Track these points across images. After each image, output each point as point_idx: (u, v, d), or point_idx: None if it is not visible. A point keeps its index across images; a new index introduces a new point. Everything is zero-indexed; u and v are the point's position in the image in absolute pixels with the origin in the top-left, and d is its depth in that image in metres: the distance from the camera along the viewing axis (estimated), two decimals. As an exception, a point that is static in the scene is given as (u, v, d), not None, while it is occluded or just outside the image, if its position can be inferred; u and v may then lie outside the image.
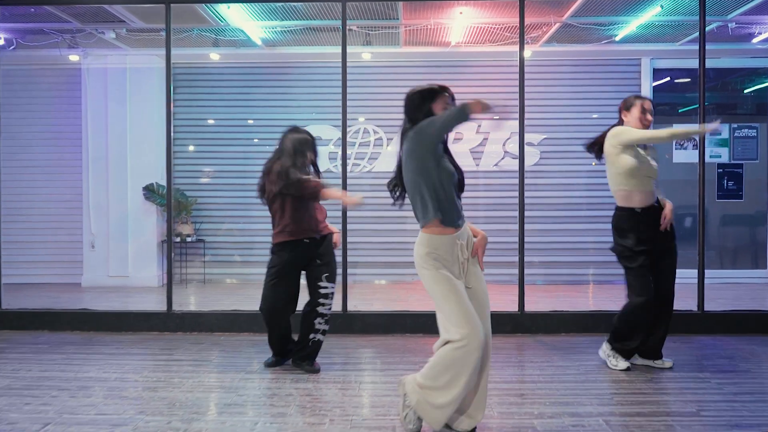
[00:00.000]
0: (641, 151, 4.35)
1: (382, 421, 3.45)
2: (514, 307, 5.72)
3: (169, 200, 6.00)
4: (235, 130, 8.43)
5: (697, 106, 7.75)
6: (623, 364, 4.41)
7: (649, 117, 4.36)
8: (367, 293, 7.47)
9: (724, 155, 8.40)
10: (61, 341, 5.37)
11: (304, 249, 4.36)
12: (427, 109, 3.13)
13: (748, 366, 4.52)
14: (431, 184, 3.04)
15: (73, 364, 4.65)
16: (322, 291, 4.39)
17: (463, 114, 2.92)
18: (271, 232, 4.46)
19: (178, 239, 8.18)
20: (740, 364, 4.59)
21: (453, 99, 3.23)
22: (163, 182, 8.25)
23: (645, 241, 4.30)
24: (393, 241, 8.15)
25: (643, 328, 4.39)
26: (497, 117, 8.17)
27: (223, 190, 8.41)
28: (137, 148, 8.22)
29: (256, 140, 8.45)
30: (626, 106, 4.44)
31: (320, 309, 4.38)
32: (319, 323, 4.38)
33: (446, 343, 3.03)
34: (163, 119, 8.27)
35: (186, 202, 8.27)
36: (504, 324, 5.62)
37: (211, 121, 8.51)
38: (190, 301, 7.22)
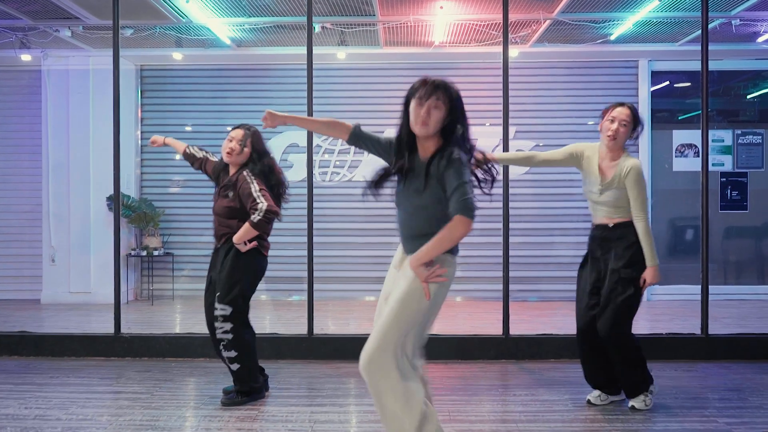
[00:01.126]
0: None
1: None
2: (498, 331, 5.16)
3: (117, 207, 5.42)
4: (206, 135, 7.88)
5: (699, 112, 7.24)
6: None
7: (616, 126, 3.74)
8: (342, 312, 6.93)
9: (727, 163, 7.89)
10: (-7, 369, 4.82)
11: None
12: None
13: (761, 401, 3.97)
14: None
15: (-7, 397, 4.10)
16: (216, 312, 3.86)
17: None
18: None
19: (144, 253, 7.65)
20: (750, 398, 4.04)
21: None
22: (129, 192, 7.77)
23: None
24: (375, 255, 7.60)
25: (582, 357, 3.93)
26: (487, 123, 7.68)
27: (193, 200, 7.87)
28: (101, 155, 7.62)
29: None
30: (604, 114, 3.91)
31: (217, 333, 3.86)
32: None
33: None
34: (130, 125, 7.86)
35: (153, 213, 7.73)
36: (487, 349, 5.08)
37: (188, 128, 8.00)
38: (152, 320, 6.68)
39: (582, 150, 3.94)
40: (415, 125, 2.62)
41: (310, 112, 5.27)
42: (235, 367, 3.86)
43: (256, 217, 3.75)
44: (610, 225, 3.75)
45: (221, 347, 3.84)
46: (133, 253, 7.78)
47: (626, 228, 3.71)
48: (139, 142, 8.06)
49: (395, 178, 2.76)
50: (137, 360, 5.09)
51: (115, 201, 5.35)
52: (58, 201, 7.73)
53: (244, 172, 3.91)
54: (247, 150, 3.96)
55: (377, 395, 2.56)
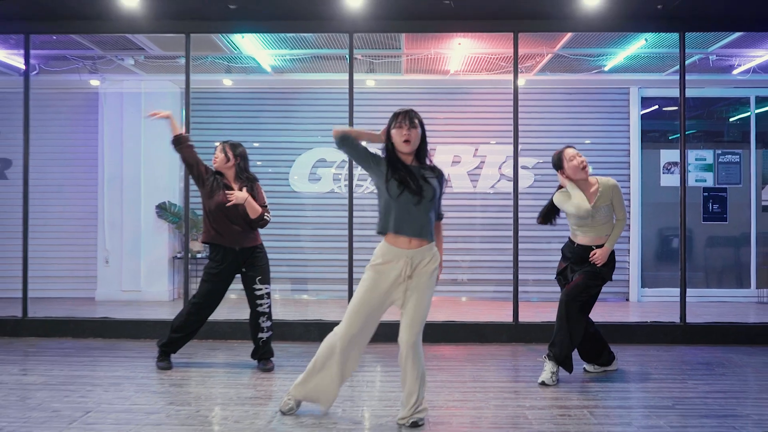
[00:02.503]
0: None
1: (388, 410, 3.83)
2: (509, 319, 6.11)
3: (187, 219, 6.37)
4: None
5: (689, 132, 8.26)
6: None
7: (577, 161, 4.62)
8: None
9: (709, 180, 8.84)
10: (85, 347, 5.73)
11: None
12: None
13: (723, 370, 4.92)
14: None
15: (100, 365, 5.02)
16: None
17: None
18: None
19: (189, 255, 8.55)
20: (716, 368, 4.98)
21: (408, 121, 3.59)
22: (175, 201, 8.71)
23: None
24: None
25: None
26: (494, 142, 8.65)
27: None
28: (151, 169, 8.63)
29: (259, 163, 8.81)
30: (557, 166, 4.76)
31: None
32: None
33: None
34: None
35: (197, 220, 8.66)
36: (500, 333, 6.02)
37: (218, 144, 8.91)
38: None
39: (561, 201, 4.74)
40: (402, 145, 3.55)
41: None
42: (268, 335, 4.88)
43: (267, 216, 4.89)
44: (593, 246, 4.66)
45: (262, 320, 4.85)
46: (179, 256, 8.71)
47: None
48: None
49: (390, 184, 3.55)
50: (203, 341, 5.99)
51: (185, 212, 6.28)
52: (112, 209, 8.66)
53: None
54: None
55: (421, 363, 3.53)
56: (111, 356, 5.36)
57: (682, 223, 6.18)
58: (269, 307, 4.90)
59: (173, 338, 4.92)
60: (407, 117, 3.58)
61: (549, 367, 4.54)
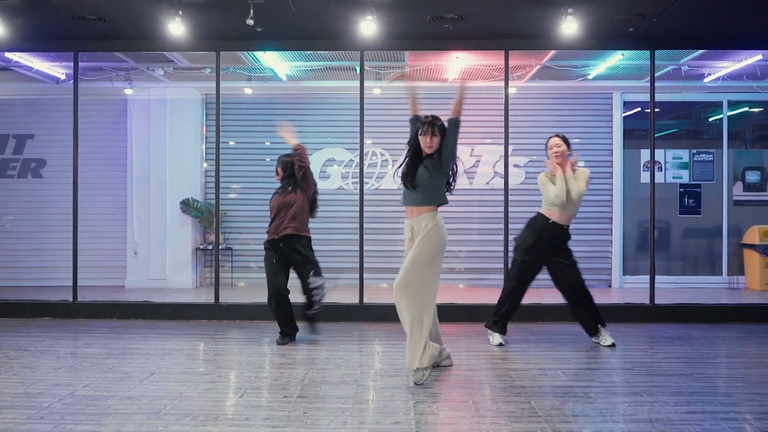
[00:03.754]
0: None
1: (397, 372, 4.68)
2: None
3: (217, 214, 7.22)
4: (260, 152, 9.68)
5: (666, 132, 9.16)
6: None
7: (555, 149, 5.58)
8: (376, 293, 8.70)
9: (685, 176, 9.69)
10: (131, 326, 6.59)
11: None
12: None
13: (681, 342, 5.79)
14: None
15: (150, 340, 5.88)
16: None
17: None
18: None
19: (210, 247, 9.41)
20: (675, 341, 5.85)
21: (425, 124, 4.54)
22: (198, 197, 9.56)
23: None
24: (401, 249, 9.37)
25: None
26: (489, 142, 9.49)
27: (249, 204, 9.64)
28: (175, 168, 9.47)
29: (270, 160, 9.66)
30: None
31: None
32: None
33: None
34: (197, 143, 9.67)
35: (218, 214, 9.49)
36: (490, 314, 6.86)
37: (232, 143, 9.77)
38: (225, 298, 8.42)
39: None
40: (425, 149, 4.49)
41: (361, 138, 7.03)
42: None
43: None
44: (565, 226, 5.56)
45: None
46: (201, 247, 9.56)
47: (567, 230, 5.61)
48: (204, 155, 9.82)
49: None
50: (233, 322, 6.84)
51: (216, 207, 7.12)
52: (140, 205, 9.51)
53: None
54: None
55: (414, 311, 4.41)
56: (155, 333, 6.21)
57: (652, 216, 7.02)
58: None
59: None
60: (430, 128, 4.48)
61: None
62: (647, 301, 7.02)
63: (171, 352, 5.34)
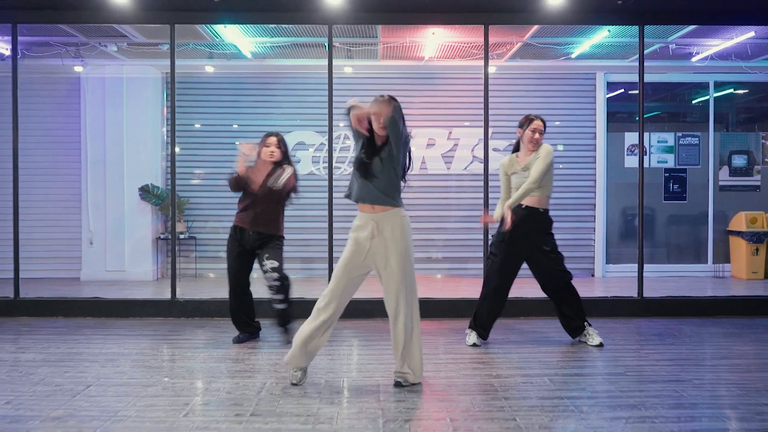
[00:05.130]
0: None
1: (367, 381, 4.20)
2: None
3: (173, 201, 6.65)
4: (225, 135, 9.10)
5: (650, 114, 8.77)
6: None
7: (537, 136, 5.12)
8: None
9: (670, 161, 9.29)
10: (78, 325, 6.03)
11: None
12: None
13: (673, 340, 5.37)
14: None
15: (94, 342, 5.33)
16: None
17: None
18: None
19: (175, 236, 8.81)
20: (667, 339, 5.43)
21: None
22: (157, 183, 8.96)
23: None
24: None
25: None
26: (467, 124, 9.01)
27: (213, 190, 9.06)
28: (133, 152, 8.85)
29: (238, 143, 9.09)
30: (521, 125, 5.23)
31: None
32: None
33: None
34: (157, 125, 9.05)
35: (179, 201, 8.91)
36: (471, 309, 6.38)
37: (197, 125, 9.16)
38: (185, 292, 7.88)
39: (505, 164, 5.30)
40: (378, 129, 4.05)
41: (330, 120, 6.49)
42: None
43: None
44: (542, 210, 5.11)
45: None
46: (162, 236, 8.98)
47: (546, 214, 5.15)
48: (165, 138, 9.20)
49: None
50: (191, 319, 6.32)
51: (172, 193, 6.56)
52: (96, 191, 8.88)
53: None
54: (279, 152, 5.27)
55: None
56: (103, 334, 5.66)
57: (640, 204, 6.60)
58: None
59: None
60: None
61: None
62: (633, 293, 6.62)
63: (115, 358, 4.80)
